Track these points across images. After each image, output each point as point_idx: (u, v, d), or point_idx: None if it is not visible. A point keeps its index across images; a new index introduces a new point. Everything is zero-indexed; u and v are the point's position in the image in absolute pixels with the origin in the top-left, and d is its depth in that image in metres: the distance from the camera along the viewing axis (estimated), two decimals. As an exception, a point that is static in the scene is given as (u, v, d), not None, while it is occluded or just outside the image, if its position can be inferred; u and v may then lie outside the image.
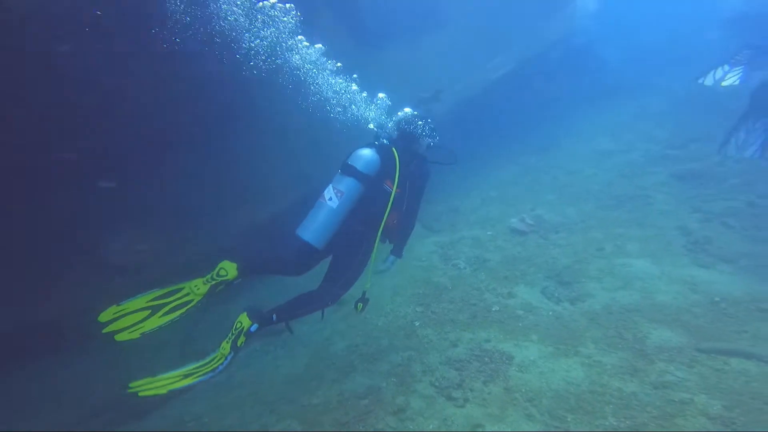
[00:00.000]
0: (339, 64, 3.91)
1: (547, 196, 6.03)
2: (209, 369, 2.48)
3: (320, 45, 3.84)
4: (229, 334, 2.54)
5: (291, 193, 4.67)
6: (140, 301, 2.47)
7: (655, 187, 5.62)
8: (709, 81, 5.50)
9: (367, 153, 2.84)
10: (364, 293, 2.98)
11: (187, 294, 2.54)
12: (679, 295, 3.63)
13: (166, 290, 2.54)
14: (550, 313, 3.78)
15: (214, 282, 2.56)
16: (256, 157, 4.42)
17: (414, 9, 5.85)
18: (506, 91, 7.50)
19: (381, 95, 3.43)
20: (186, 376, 2.43)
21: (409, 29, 5.54)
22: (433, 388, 3.07)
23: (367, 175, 2.79)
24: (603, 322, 3.53)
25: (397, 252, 3.17)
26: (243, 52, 3.53)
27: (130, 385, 2.35)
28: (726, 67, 5.37)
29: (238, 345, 2.52)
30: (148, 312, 2.45)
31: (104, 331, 2.35)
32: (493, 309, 3.90)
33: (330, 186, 2.78)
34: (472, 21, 6.92)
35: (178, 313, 2.49)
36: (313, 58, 3.82)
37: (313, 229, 2.69)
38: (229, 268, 2.58)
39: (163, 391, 2.35)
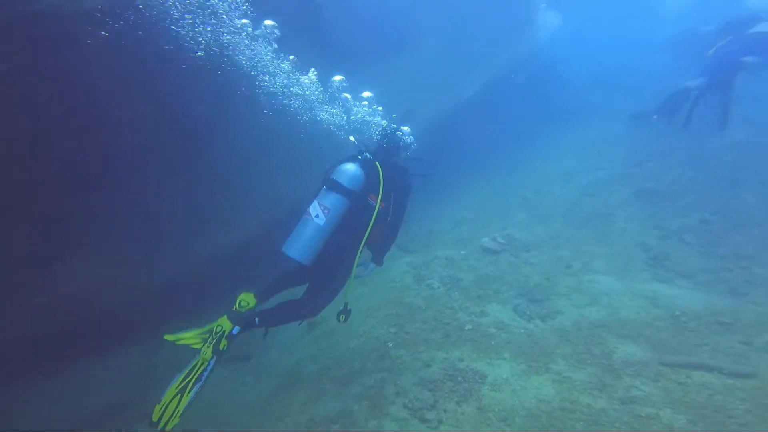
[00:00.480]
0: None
1: (518, 215, 6.19)
2: (194, 378, 2.45)
3: (293, 56, 3.87)
4: (209, 338, 2.50)
5: (260, 216, 4.58)
6: (171, 390, 2.45)
7: (617, 205, 5.88)
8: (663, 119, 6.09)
9: (351, 168, 2.86)
10: (346, 305, 2.98)
11: (202, 364, 2.51)
12: (642, 310, 3.75)
13: (185, 372, 2.50)
14: (522, 330, 3.81)
15: (214, 340, 2.53)
16: (222, 179, 4.33)
17: (385, 30, 6.02)
18: (476, 111, 7.78)
19: (351, 138, 3.48)
20: (181, 391, 2.42)
21: (380, 50, 5.68)
22: (406, 410, 3.00)
23: (353, 190, 2.81)
24: (573, 339, 3.58)
25: (378, 260, 3.20)
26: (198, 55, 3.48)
27: (153, 419, 2.38)
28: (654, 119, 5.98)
29: (221, 348, 2.49)
30: (179, 397, 2.43)
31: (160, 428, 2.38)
32: (466, 328, 3.89)
33: (315, 202, 2.77)
34: (441, 43, 7.20)
35: (197, 384, 2.47)
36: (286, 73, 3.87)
37: (300, 246, 2.68)
38: (248, 299, 2.66)
39: (177, 419, 2.37)
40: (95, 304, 3.67)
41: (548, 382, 3.12)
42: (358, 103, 4.08)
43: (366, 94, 4.21)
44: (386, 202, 2.91)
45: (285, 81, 3.87)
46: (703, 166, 6.39)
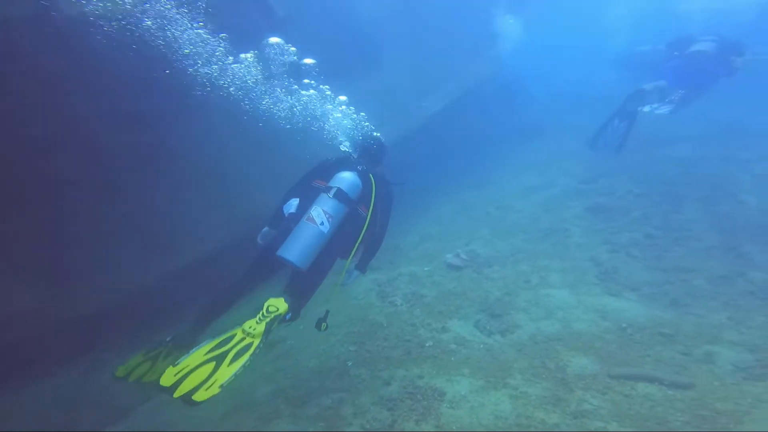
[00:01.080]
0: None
1: (481, 231, 6.33)
2: (236, 351, 2.33)
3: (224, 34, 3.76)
4: (259, 315, 2.47)
5: (214, 239, 4.43)
6: (196, 356, 2.30)
7: (572, 220, 6.15)
8: (600, 146, 6.56)
9: (351, 177, 2.95)
10: (327, 312, 2.97)
11: (243, 338, 2.41)
12: (593, 323, 3.91)
13: (218, 340, 2.39)
14: (482, 345, 3.87)
15: (267, 318, 2.48)
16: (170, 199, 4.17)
17: (349, 48, 6.09)
18: (441, 128, 7.96)
19: (343, 147, 3.54)
20: (216, 360, 2.27)
21: (343, 68, 5.73)
22: (363, 433, 2.96)
23: (353, 199, 2.90)
24: (529, 353, 3.68)
25: (362, 268, 3.24)
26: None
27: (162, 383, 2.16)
28: (614, 123, 6.47)
29: (269, 332, 2.47)
30: (213, 365, 2.27)
31: (176, 395, 2.13)
32: (427, 344, 3.91)
33: (319, 208, 2.77)
34: (406, 61, 7.36)
35: (246, 356, 2.33)
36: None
37: (300, 251, 2.66)
38: (277, 303, 2.56)
39: (217, 389, 2.17)
40: (31, 326, 3.42)
41: (505, 397, 3.18)
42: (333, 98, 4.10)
43: (342, 98, 4.25)
44: (374, 213, 3.01)
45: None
46: (648, 182, 6.83)
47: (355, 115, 4.16)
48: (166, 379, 2.17)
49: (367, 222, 2.94)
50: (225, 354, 2.33)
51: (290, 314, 2.63)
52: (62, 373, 3.71)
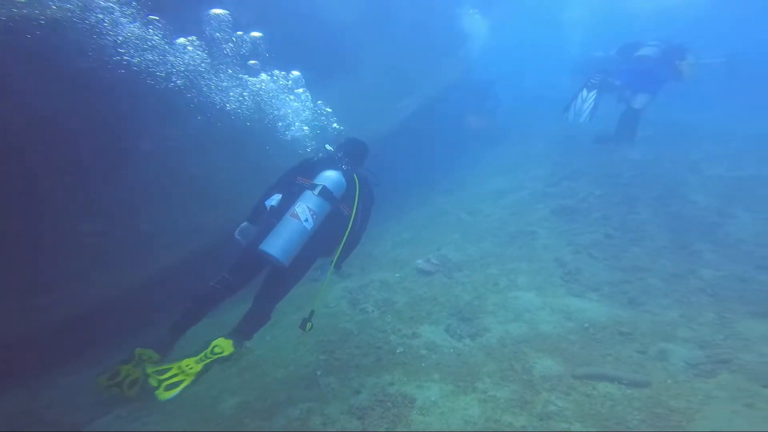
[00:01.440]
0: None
1: (453, 235, 6.41)
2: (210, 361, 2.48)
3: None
4: (202, 355, 2.50)
5: (179, 248, 4.26)
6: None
7: (538, 223, 6.34)
8: (572, 116, 6.84)
9: (336, 175, 3.02)
10: (312, 312, 2.98)
11: (176, 375, 2.41)
12: (557, 324, 4.03)
13: (157, 368, 2.44)
14: (452, 350, 3.91)
15: (208, 360, 2.48)
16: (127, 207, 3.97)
17: (321, 50, 6.02)
18: (414, 132, 8.02)
19: (327, 146, 3.49)
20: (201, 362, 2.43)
21: (315, 70, 5.66)
22: (333, 445, 2.91)
23: (337, 198, 2.95)
24: (497, 356, 3.74)
25: (338, 265, 3.22)
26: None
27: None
28: (583, 93, 6.74)
29: (205, 371, 2.49)
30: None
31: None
32: (398, 351, 3.91)
33: (303, 205, 2.80)
34: (377, 65, 7.37)
35: (173, 392, 2.34)
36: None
37: (283, 246, 2.67)
38: (224, 345, 2.54)
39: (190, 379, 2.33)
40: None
41: (475, 402, 3.21)
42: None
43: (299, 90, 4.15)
44: (356, 213, 3.07)
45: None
46: (607, 184, 7.15)
47: (311, 104, 4.06)
48: (153, 380, 2.33)
49: (351, 222, 2.97)
50: (161, 382, 2.38)
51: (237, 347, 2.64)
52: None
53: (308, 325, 2.91)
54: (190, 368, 2.41)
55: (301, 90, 4.13)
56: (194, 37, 3.56)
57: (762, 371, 3.08)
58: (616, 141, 7.06)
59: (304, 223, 2.74)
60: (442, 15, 9.48)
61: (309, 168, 3.12)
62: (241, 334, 2.73)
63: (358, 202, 3.04)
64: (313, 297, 3.10)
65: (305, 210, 2.78)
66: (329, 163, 3.17)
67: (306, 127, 3.71)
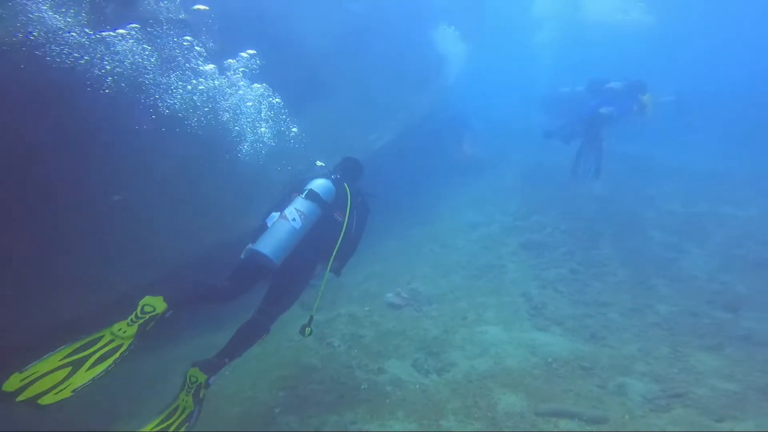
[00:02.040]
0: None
1: (424, 268, 6.45)
2: (177, 424, 2.36)
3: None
4: (185, 387, 2.47)
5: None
6: (50, 361, 2.19)
7: (508, 257, 6.49)
8: (581, 174, 7.25)
9: (324, 182, 3.22)
10: (311, 317, 3.08)
11: (112, 341, 2.36)
12: (523, 359, 4.06)
13: (78, 344, 2.31)
14: (418, 386, 3.86)
15: (141, 320, 2.42)
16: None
17: (297, 76, 6.17)
18: (386, 162, 8.16)
19: (319, 163, 3.67)
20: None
21: (290, 94, 5.76)
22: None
23: (326, 201, 3.11)
24: (463, 392, 3.71)
25: (336, 271, 3.36)
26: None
27: None
28: (585, 149, 7.16)
29: (201, 397, 2.49)
30: (68, 369, 2.19)
31: (19, 399, 2.01)
32: (362, 387, 3.83)
33: (292, 207, 2.97)
34: (352, 94, 7.57)
35: (109, 360, 2.27)
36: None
37: (275, 245, 2.79)
38: (154, 302, 2.48)
39: (68, 393, 2.10)
40: None
41: (437, 441, 3.15)
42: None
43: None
44: (350, 219, 3.22)
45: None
46: (572, 218, 7.44)
47: (268, 102, 4.09)
48: (9, 385, 2.04)
49: (344, 227, 3.13)
50: (85, 358, 2.25)
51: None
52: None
53: (307, 330, 3.02)
54: (123, 331, 2.37)
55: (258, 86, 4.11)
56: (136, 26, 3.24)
57: (714, 405, 3.17)
58: (575, 175, 7.50)
59: (292, 222, 2.88)
60: (419, 44, 9.87)
61: (302, 183, 3.31)
62: (219, 358, 2.65)
63: (350, 208, 3.20)
64: (309, 303, 3.22)
65: (293, 211, 2.95)
66: (320, 174, 3.41)
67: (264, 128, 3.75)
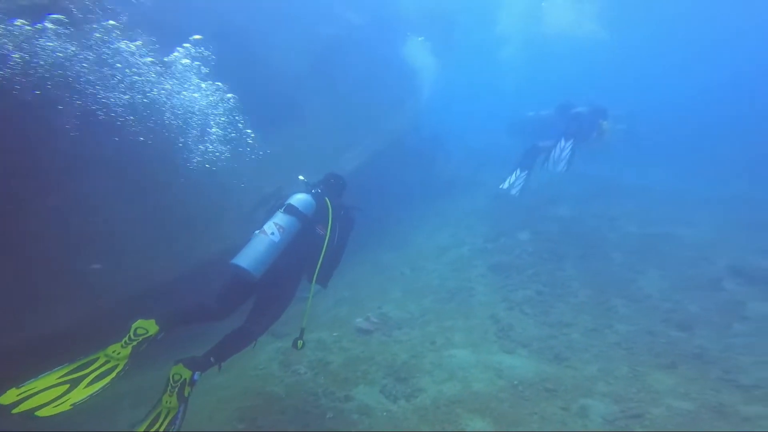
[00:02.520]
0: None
1: (394, 293, 6.43)
2: (163, 428, 2.38)
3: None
4: (168, 388, 2.48)
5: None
6: (48, 379, 2.30)
7: (477, 279, 6.58)
8: (551, 165, 7.56)
9: (304, 196, 3.30)
10: (302, 330, 3.19)
11: (107, 362, 2.48)
12: (489, 383, 4.07)
13: (75, 365, 2.42)
14: (385, 414, 3.78)
15: (134, 342, 2.52)
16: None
17: (269, 98, 6.19)
18: (359, 185, 8.19)
19: (300, 177, 3.64)
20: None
21: (260, 119, 5.75)
22: None
23: (305, 215, 3.17)
24: (430, 418, 3.67)
25: (323, 282, 3.41)
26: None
27: None
28: (561, 143, 7.50)
29: (186, 395, 2.50)
30: (66, 386, 2.30)
31: (15, 411, 2.09)
32: (328, 416, 3.72)
33: (271, 222, 3.05)
34: (324, 116, 7.64)
35: (106, 380, 2.39)
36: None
37: (253, 258, 2.85)
38: (147, 326, 2.57)
39: (68, 407, 2.20)
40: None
41: (403, 472, 3.07)
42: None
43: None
44: (332, 233, 3.29)
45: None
46: (538, 240, 7.67)
47: (213, 97, 3.99)
48: (7, 398, 2.12)
49: (326, 240, 3.20)
50: (82, 377, 2.36)
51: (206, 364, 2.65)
52: None
53: (299, 342, 3.13)
54: (117, 353, 2.47)
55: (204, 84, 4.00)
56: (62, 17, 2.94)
57: (669, 425, 3.26)
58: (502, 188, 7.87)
59: (271, 236, 2.95)
60: (392, 65, 10.11)
61: (284, 198, 3.36)
62: (204, 359, 2.68)
63: (332, 221, 3.27)
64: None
65: (271, 225, 3.02)
66: (302, 190, 3.48)
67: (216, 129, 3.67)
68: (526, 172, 7.66)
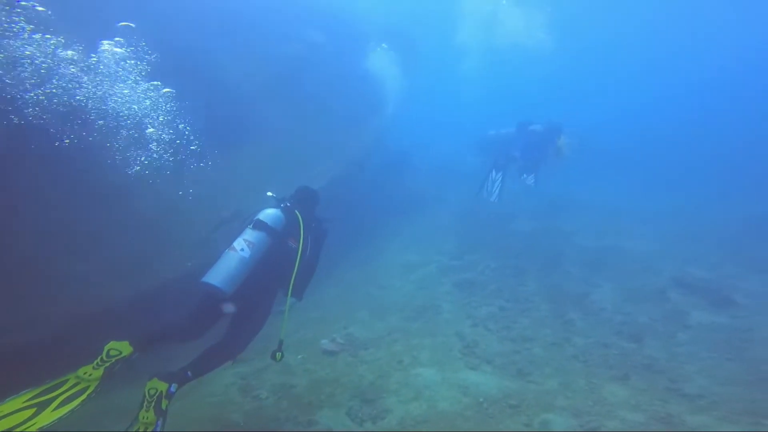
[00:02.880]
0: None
1: (361, 312, 6.37)
2: None
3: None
4: (144, 403, 2.44)
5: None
6: (13, 403, 2.26)
7: (443, 296, 6.66)
8: (485, 194, 7.84)
9: (273, 211, 3.32)
10: (280, 342, 3.18)
11: (77, 383, 2.46)
12: (455, 401, 4.09)
13: (42, 388, 2.40)
14: (350, 439, 3.69)
15: (107, 363, 2.52)
16: None
17: (226, 121, 6.06)
18: (325, 203, 8.12)
19: (269, 193, 3.60)
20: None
21: (220, 142, 5.62)
22: None
23: (275, 229, 3.19)
24: (397, 441, 3.62)
25: (298, 295, 3.39)
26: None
27: None
28: (492, 175, 7.81)
29: (163, 408, 2.46)
30: (33, 410, 2.26)
31: None
32: (290, 445, 3.58)
33: (240, 238, 3.06)
34: (286, 136, 7.54)
35: (75, 402, 2.36)
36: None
37: (224, 275, 2.84)
38: (120, 347, 2.57)
39: (34, 429, 2.16)
40: None
41: (368, 500, 3.00)
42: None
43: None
44: (305, 245, 3.31)
45: None
46: (501, 256, 7.92)
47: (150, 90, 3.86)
48: None
49: (299, 253, 3.22)
50: (50, 400, 2.33)
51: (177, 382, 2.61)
52: None
53: (278, 355, 3.12)
54: (89, 374, 2.46)
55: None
56: None
57: (623, 436, 3.41)
58: (478, 197, 8.19)
59: (240, 252, 2.96)
60: (356, 83, 10.18)
61: (253, 215, 3.36)
62: (183, 372, 2.68)
63: (304, 234, 3.29)
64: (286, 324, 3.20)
65: (240, 242, 3.03)
66: (271, 205, 3.49)
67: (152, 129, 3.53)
68: (501, 174, 7.96)
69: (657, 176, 14.75)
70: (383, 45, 12.30)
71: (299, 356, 5.06)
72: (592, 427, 3.50)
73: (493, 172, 8.13)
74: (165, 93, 3.96)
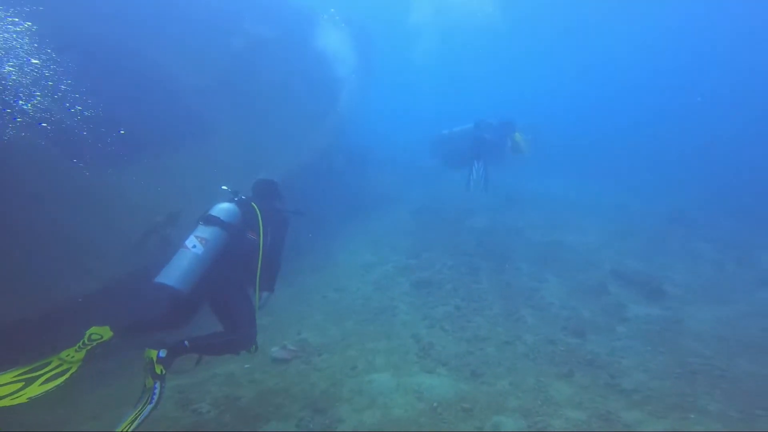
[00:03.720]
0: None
1: (315, 317, 6.14)
2: (144, 404, 2.50)
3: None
4: (144, 372, 2.63)
5: None
6: (3, 377, 2.44)
7: (400, 297, 6.60)
8: (473, 187, 7.98)
9: (226, 205, 3.30)
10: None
11: (60, 365, 2.62)
12: (409, 407, 4.03)
13: (27, 368, 2.55)
14: (300, 452, 3.52)
15: (89, 347, 2.68)
16: None
17: (171, 119, 5.59)
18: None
19: (224, 187, 3.56)
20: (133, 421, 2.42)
21: (163, 141, 5.17)
22: None
23: (230, 223, 3.16)
24: (349, 452, 3.50)
25: (269, 287, 3.52)
26: None
27: None
28: (475, 166, 7.88)
29: (158, 372, 2.61)
30: (21, 383, 2.43)
31: None
32: (233, 464, 3.34)
33: (192, 236, 3.04)
34: (236, 134, 7.10)
35: (60, 380, 2.55)
36: None
37: (176, 274, 2.85)
38: (101, 331, 2.73)
39: (24, 399, 2.36)
40: None
41: None
42: None
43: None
44: (265, 237, 3.33)
45: None
46: (457, 254, 8.00)
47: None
48: None
49: (261, 245, 3.26)
50: (37, 377, 2.50)
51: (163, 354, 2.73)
52: None
53: (252, 347, 3.25)
54: (71, 357, 2.64)
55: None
56: None
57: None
58: (468, 189, 8.42)
59: (193, 249, 2.95)
60: (311, 77, 9.81)
61: (207, 210, 3.31)
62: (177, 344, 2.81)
63: (263, 226, 3.30)
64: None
65: (192, 239, 3.02)
66: (224, 199, 3.44)
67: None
68: (482, 162, 8.04)
69: (602, 171, 15.70)
70: (331, 10, 12.00)
71: (246, 366, 4.77)
72: (540, 428, 3.59)
73: (475, 163, 8.24)
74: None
